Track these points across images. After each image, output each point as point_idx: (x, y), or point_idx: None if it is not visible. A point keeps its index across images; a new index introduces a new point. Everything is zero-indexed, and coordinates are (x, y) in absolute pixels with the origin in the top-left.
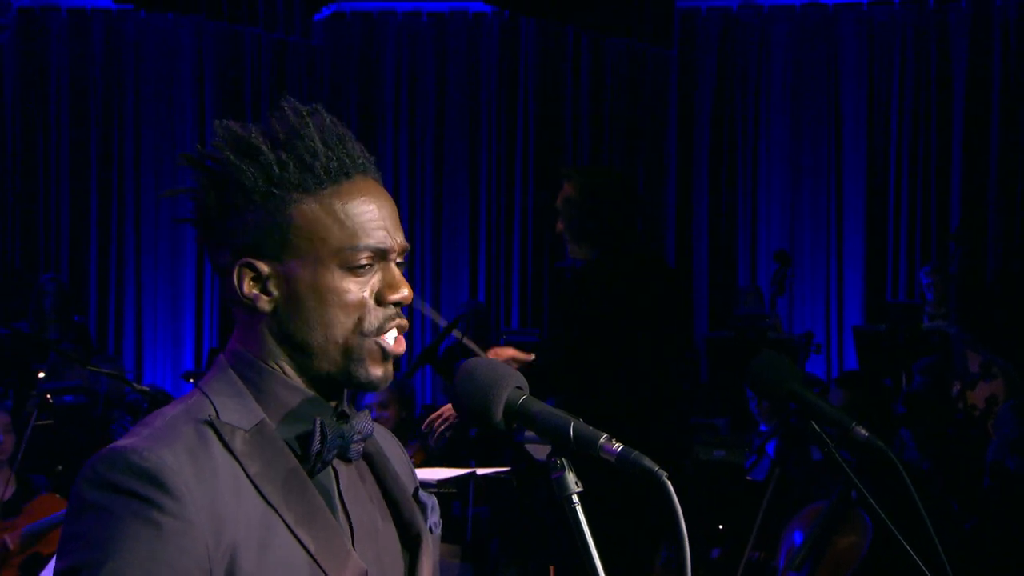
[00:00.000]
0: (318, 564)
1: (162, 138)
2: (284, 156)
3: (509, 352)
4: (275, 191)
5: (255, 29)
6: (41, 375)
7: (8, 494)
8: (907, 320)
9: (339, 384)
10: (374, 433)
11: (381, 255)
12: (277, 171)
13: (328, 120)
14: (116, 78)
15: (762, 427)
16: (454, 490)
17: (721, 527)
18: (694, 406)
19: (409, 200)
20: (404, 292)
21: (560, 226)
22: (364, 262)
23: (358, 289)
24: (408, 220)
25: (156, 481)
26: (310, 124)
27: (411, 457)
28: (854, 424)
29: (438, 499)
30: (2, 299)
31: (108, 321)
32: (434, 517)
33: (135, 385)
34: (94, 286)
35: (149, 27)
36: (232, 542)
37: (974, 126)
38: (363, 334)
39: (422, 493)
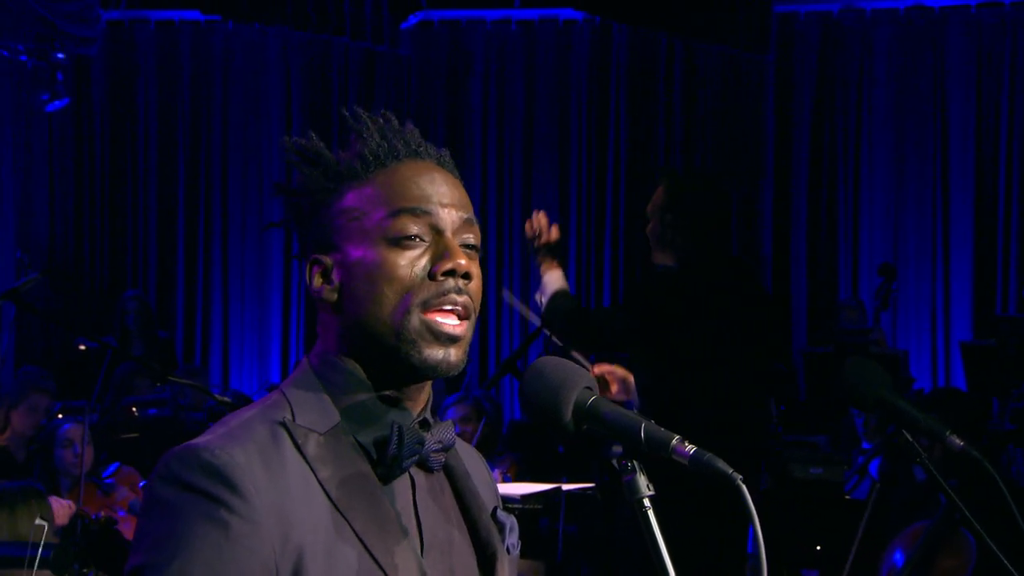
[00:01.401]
0: (384, 572)
1: (249, 150)
2: (342, 154)
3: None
4: (331, 185)
5: (342, 39)
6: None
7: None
8: (1017, 335)
9: (402, 371)
10: (458, 448)
11: (430, 225)
12: (334, 167)
13: (392, 119)
14: (204, 89)
15: (864, 445)
16: (539, 506)
17: (819, 548)
18: (792, 423)
19: (497, 210)
20: (458, 260)
21: (648, 230)
22: (412, 232)
23: (407, 264)
24: (496, 230)
25: (226, 480)
26: (370, 123)
27: (506, 470)
28: (949, 433)
29: (523, 515)
30: (91, 314)
31: (195, 336)
32: (512, 538)
33: (216, 396)
34: (181, 301)
35: (237, 38)
36: (299, 545)
37: None
38: (409, 311)
39: (501, 512)
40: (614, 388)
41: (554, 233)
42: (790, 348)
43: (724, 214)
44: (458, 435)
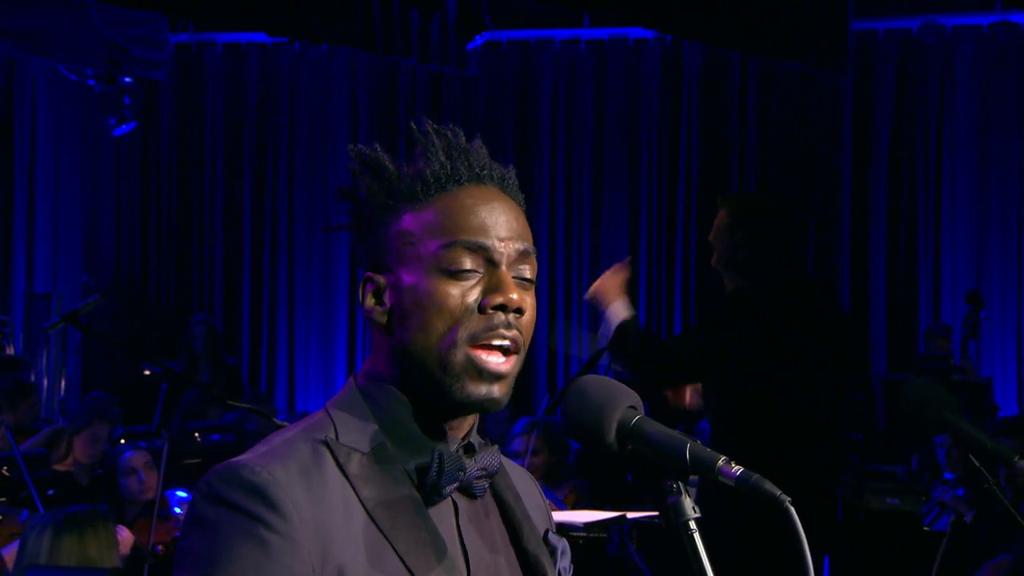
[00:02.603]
0: None
1: (316, 172)
2: (405, 169)
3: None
4: (391, 203)
5: (409, 60)
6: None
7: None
8: None
9: (444, 403)
10: (508, 471)
11: (484, 257)
12: (396, 184)
13: (460, 136)
14: (271, 112)
15: (946, 475)
16: (603, 535)
17: None
18: (871, 452)
19: (566, 232)
20: (510, 296)
21: (715, 259)
22: (465, 263)
23: (459, 294)
24: (564, 253)
25: (266, 498)
26: (436, 139)
27: (564, 498)
28: (1018, 458)
29: (588, 543)
30: (158, 339)
31: (260, 361)
32: (564, 562)
33: (276, 421)
34: (247, 325)
35: (303, 60)
36: (339, 564)
37: None
38: (456, 344)
39: (553, 536)
40: (688, 397)
41: (625, 273)
42: (868, 372)
43: (792, 230)
44: (528, 466)
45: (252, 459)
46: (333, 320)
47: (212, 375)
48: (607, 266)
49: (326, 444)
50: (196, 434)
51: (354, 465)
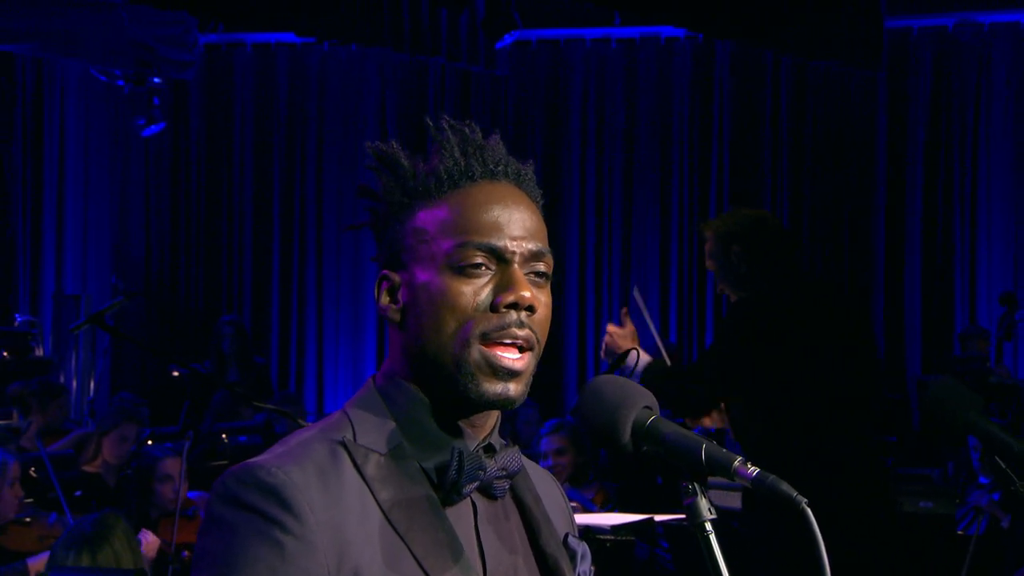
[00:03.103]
0: None
1: (345, 172)
2: (420, 166)
3: None
4: (405, 200)
5: (438, 60)
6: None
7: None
8: None
9: (461, 401)
10: (529, 473)
11: (496, 256)
12: (411, 180)
13: (476, 132)
14: (300, 112)
15: (981, 479)
16: (631, 537)
17: None
18: (905, 455)
19: (596, 233)
20: (521, 293)
21: (721, 287)
22: (477, 261)
23: (471, 292)
24: (595, 253)
25: (281, 499)
26: (451, 136)
27: (592, 498)
28: None
29: (616, 546)
30: (187, 339)
31: (290, 361)
32: (584, 566)
33: (301, 422)
34: (276, 326)
35: (332, 59)
36: (355, 566)
37: None
38: (469, 342)
39: (572, 539)
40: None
41: (628, 326)
42: (903, 374)
43: (784, 236)
44: (550, 468)
45: (268, 460)
46: (362, 320)
47: (241, 376)
48: (637, 266)
49: (343, 445)
50: (224, 435)
51: (371, 467)
